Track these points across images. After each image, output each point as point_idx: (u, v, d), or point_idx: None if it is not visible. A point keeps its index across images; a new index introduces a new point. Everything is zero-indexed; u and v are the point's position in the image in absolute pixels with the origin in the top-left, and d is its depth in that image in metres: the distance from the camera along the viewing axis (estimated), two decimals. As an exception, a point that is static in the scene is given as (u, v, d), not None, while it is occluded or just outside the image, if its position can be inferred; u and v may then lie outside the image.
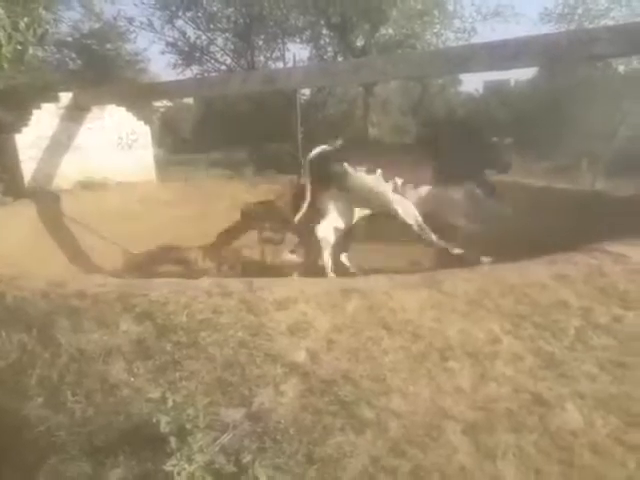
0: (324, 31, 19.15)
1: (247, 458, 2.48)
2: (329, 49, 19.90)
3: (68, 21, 17.94)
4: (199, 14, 19.74)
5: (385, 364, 3.08)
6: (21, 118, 10.50)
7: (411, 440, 2.71)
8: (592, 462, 2.67)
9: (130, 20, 19.39)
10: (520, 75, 27.97)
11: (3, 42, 4.69)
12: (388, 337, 3.26)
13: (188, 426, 2.49)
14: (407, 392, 2.93)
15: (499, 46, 7.08)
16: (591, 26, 14.19)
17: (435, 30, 17.32)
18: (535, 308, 3.65)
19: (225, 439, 2.60)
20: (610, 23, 14.68)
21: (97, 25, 18.73)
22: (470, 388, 3.00)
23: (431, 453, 2.63)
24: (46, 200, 9.60)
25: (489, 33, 18.75)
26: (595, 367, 3.21)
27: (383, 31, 17.86)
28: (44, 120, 10.53)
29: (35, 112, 10.46)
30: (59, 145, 10.77)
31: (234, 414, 2.76)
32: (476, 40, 16.15)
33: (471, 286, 3.84)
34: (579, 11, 16.20)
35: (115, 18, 18.99)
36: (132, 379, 2.99)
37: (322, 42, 19.73)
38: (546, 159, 16.38)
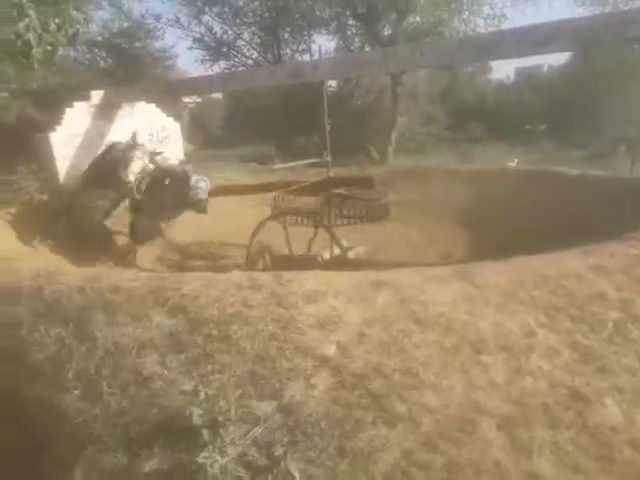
0: (350, 22, 19.02)
1: (279, 451, 2.49)
2: (356, 40, 19.77)
3: (98, 21, 18.26)
4: (225, 9, 19.89)
5: (417, 358, 3.04)
6: (55, 117, 10.75)
7: (444, 435, 2.67)
8: (633, 458, 2.59)
9: (157, 17, 19.71)
10: (553, 60, 27.26)
11: (34, 43, 4.75)
12: (420, 331, 3.21)
13: (220, 419, 2.51)
14: (440, 386, 2.89)
15: (529, 31, 6.88)
16: (626, 8, 13.69)
17: (464, 17, 16.96)
18: (571, 300, 3.55)
19: (257, 432, 2.62)
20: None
21: (126, 24, 18.99)
22: (504, 382, 2.94)
23: (465, 448, 2.59)
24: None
25: (520, 18, 18.22)
26: (635, 361, 3.11)
27: (410, 19, 17.61)
28: (77, 118, 10.75)
29: (68, 111, 10.69)
30: (92, 143, 10.99)
31: (265, 407, 2.77)
32: (507, 26, 15.76)
33: (504, 278, 3.76)
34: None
35: (143, 16, 19.29)
36: (165, 372, 3.03)
37: (348, 33, 19.62)
38: (582, 146, 15.95)
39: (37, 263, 5.47)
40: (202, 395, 2.65)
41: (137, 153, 9.26)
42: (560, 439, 2.66)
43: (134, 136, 9.97)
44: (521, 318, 3.37)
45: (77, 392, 3.04)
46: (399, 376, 2.93)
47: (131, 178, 8.84)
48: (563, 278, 3.76)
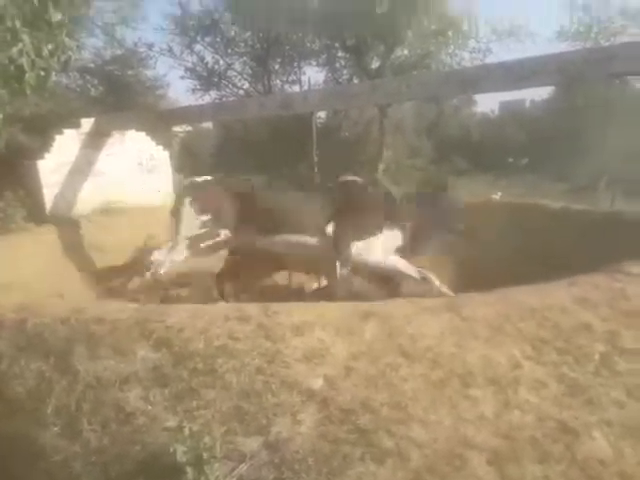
0: (340, 54, 19.42)
1: (265, 489, 2.43)
2: (345, 72, 20.16)
3: (90, 48, 18.40)
4: (217, 39, 20.21)
5: (405, 392, 3.01)
6: (44, 144, 10.74)
7: (433, 470, 2.64)
8: (622, 494, 2.57)
9: (150, 46, 19.88)
10: (536, 95, 28.00)
11: (27, 68, 4.78)
12: (407, 364, 3.19)
13: (205, 455, 2.46)
14: (428, 420, 2.87)
15: (515, 65, 7.08)
16: (607, 44, 14.17)
17: (450, 50, 17.43)
18: (557, 332, 3.56)
19: (242, 469, 2.56)
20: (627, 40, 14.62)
21: (119, 51, 19.18)
22: (493, 416, 2.93)
23: (454, 484, 2.55)
24: (67, 226, 9.75)
25: (504, 53, 18.77)
26: (622, 394, 3.11)
27: (398, 52, 18.05)
28: (66, 146, 10.75)
29: (57, 138, 10.71)
30: (80, 171, 10.99)
31: (251, 443, 2.73)
32: (491, 60, 16.21)
33: (491, 310, 3.77)
34: (595, 29, 16.19)
35: (136, 44, 19.46)
36: (149, 407, 2.97)
37: (338, 65, 20.01)
38: (564, 180, 16.25)
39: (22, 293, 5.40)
40: (186, 431, 2.60)
41: None
42: (550, 473, 2.64)
43: None
44: (508, 351, 3.37)
45: (56, 429, 2.96)
46: (387, 410, 2.91)
47: None
48: (548, 310, 3.77)
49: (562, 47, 16.90)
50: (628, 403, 3.05)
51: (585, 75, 6.86)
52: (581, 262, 4.95)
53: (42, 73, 5.34)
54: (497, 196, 14.87)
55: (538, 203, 10.12)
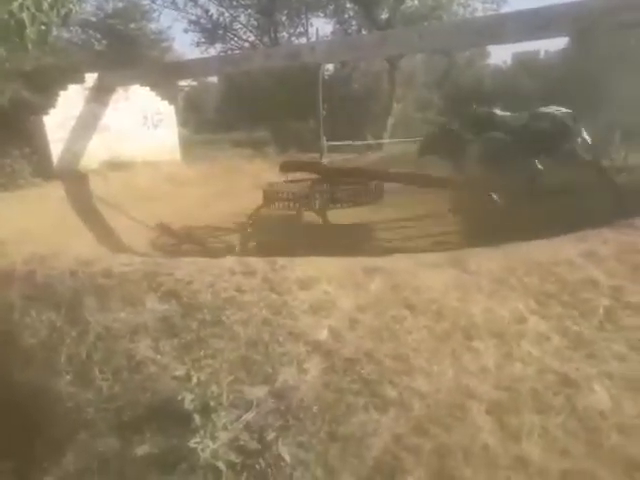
0: (348, 5, 18.80)
1: (271, 435, 2.50)
2: (353, 23, 19.57)
3: (92, 1, 18.00)
4: (222, -10, 19.59)
5: (409, 343, 3.05)
6: (48, 100, 10.63)
7: (434, 419, 2.69)
8: (620, 443, 2.62)
9: (153, -1, 19.38)
10: (551, 45, 27.09)
11: (27, 23, 4.69)
12: (412, 316, 3.23)
13: (212, 403, 2.52)
14: (431, 371, 2.91)
15: (530, 15, 6.83)
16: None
17: (462, 1, 16.79)
18: (563, 287, 3.57)
19: (249, 417, 2.63)
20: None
21: (121, 4, 18.73)
22: (495, 368, 2.96)
23: (454, 432, 2.61)
24: (75, 180, 9.77)
25: (519, 2, 18.03)
26: (624, 347, 3.12)
27: (409, 3, 17.46)
28: (71, 101, 10.66)
29: (62, 93, 10.59)
30: (86, 126, 10.92)
31: (258, 392, 2.79)
32: (506, 10, 15.61)
33: (496, 264, 3.77)
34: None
35: (138, -4, 18.97)
36: (158, 357, 3.04)
37: (346, 16, 19.43)
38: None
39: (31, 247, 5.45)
40: (194, 380, 2.66)
41: None
42: (549, 424, 2.69)
43: None
44: (512, 304, 3.39)
45: (69, 377, 3.05)
46: (391, 361, 2.95)
47: None
48: (555, 265, 3.77)
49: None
50: (629, 356, 3.07)
51: (602, 24, 6.61)
52: (595, 217, 4.90)
53: (43, 27, 5.23)
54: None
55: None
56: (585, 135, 7.94)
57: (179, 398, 2.54)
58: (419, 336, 3.12)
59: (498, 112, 7.89)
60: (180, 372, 2.81)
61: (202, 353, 3.02)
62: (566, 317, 3.31)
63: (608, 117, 13.23)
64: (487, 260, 3.82)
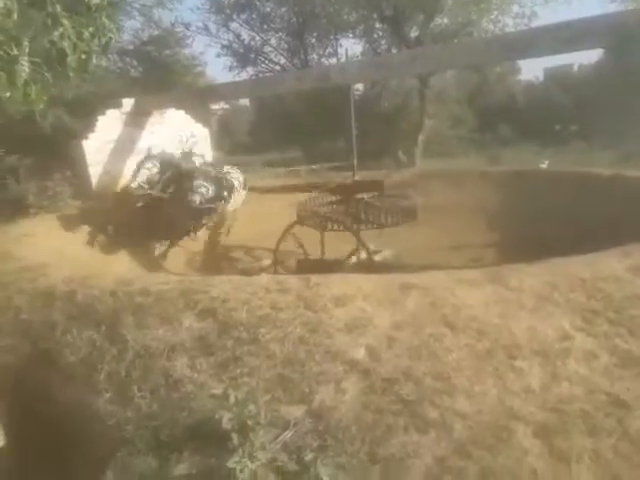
0: (377, 25, 18.93)
1: (309, 456, 2.45)
2: (383, 42, 19.68)
3: (129, 30, 18.66)
4: (253, 15, 20.09)
5: (449, 362, 2.97)
6: (88, 125, 11.01)
7: (477, 441, 2.59)
8: (677, 468, 2.47)
9: (187, 25, 20.03)
10: (584, 59, 26.68)
11: (68, 52, 4.86)
12: (451, 334, 3.14)
13: (250, 423, 2.49)
14: (473, 392, 2.82)
15: (562, 28, 6.72)
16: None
17: (492, 17, 16.69)
18: (609, 303, 3.43)
19: (287, 436, 2.59)
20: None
21: (156, 32, 19.34)
22: (540, 388, 2.85)
23: (500, 455, 2.51)
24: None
25: (551, 17, 17.88)
26: (677, 366, 2.97)
27: (438, 21, 17.48)
28: (109, 126, 10.99)
29: (100, 118, 10.95)
30: (123, 149, 11.22)
31: (295, 411, 2.75)
32: (537, 25, 15.44)
33: (538, 281, 3.66)
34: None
35: (173, 24, 19.61)
36: (195, 375, 3.03)
37: (375, 36, 19.53)
38: (614, 147, 15.50)
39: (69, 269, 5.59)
40: (232, 399, 2.64)
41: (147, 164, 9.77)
42: (600, 447, 2.56)
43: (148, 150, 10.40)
44: (556, 322, 3.27)
45: (108, 395, 3.07)
46: (430, 381, 2.87)
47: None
48: (600, 280, 3.63)
49: (611, 8, 15.95)
50: (683, 375, 2.92)
51: (637, 36, 6.46)
52: (636, 230, 4.73)
53: (83, 56, 5.42)
54: (545, 165, 14.37)
55: (588, 171, 9.73)
56: None
57: (217, 417, 2.52)
58: (459, 355, 3.03)
59: None
60: (217, 390, 2.80)
61: (239, 371, 3.01)
62: (614, 334, 3.17)
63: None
64: (528, 276, 3.70)
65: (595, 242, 4.71)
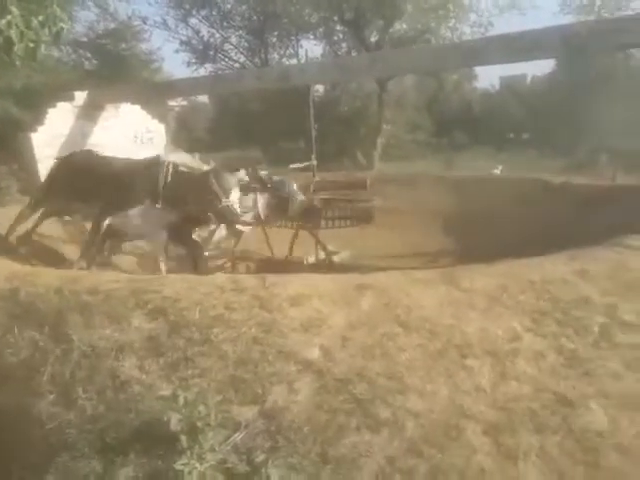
0: (338, 27, 19.08)
1: (260, 457, 2.41)
2: (343, 45, 19.85)
3: (83, 21, 18.14)
4: (213, 12, 19.90)
5: (402, 362, 2.99)
6: (37, 117, 10.59)
7: (429, 440, 2.62)
8: (618, 464, 2.56)
9: (144, 19, 19.62)
10: (537, 70, 27.68)
11: (15, 40, 4.67)
12: (404, 334, 3.17)
13: (199, 424, 2.43)
14: (424, 391, 2.84)
15: (516, 37, 6.94)
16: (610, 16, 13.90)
17: (450, 24, 17.10)
18: (556, 304, 3.54)
19: (237, 438, 2.54)
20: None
21: (112, 25, 18.84)
22: (490, 387, 2.90)
23: (450, 454, 2.54)
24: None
25: (505, 27, 18.39)
26: (621, 365, 3.09)
27: (397, 26, 17.78)
28: (59, 119, 10.61)
29: (51, 111, 10.55)
30: (74, 143, 10.81)
31: (247, 412, 2.70)
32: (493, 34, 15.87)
33: (489, 282, 3.74)
34: (598, 2, 15.88)
35: (129, 17, 19.15)
36: (144, 376, 2.94)
37: (336, 38, 19.69)
38: (565, 155, 16.12)
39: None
40: (181, 400, 2.56)
41: None
42: (546, 444, 2.63)
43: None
44: (506, 322, 3.35)
45: (51, 397, 2.94)
46: (383, 380, 2.88)
47: None
48: (548, 283, 3.75)
49: (565, 20, 16.61)
50: (626, 375, 3.03)
51: (589, 47, 6.73)
52: (583, 235, 4.91)
53: (31, 45, 5.22)
54: (498, 170, 14.80)
55: (539, 178, 10.07)
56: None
57: (165, 419, 2.45)
58: (412, 354, 3.06)
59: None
60: (166, 392, 2.72)
61: (189, 372, 2.93)
62: (561, 335, 3.27)
63: (595, 139, 13.46)
64: (480, 277, 3.78)
65: (544, 246, 4.88)
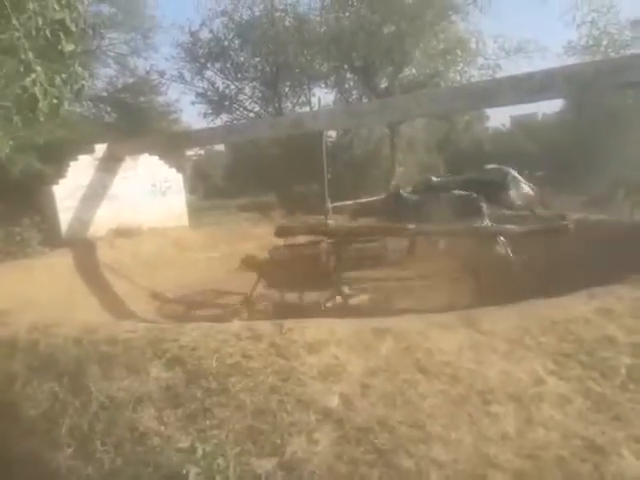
0: (348, 75, 19.59)
1: (280, 511, 2.35)
2: (354, 92, 20.31)
3: (104, 77, 18.92)
4: (227, 65, 20.55)
5: (424, 409, 2.92)
6: (59, 170, 10.93)
7: (455, 491, 2.53)
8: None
9: (162, 73, 20.42)
10: (547, 108, 27.95)
11: (39, 97, 4.88)
12: (425, 380, 3.10)
13: (218, 477, 2.38)
14: (448, 439, 2.76)
15: (525, 79, 7.06)
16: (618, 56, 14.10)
17: (458, 68, 17.46)
18: (580, 346, 3.45)
19: (257, 491, 2.48)
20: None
21: (131, 79, 19.61)
22: (516, 434, 2.81)
23: (477, 506, 2.44)
24: (82, 248, 9.84)
25: (513, 69, 18.73)
26: (651, 408, 2.97)
27: (407, 72, 18.18)
28: (80, 171, 10.94)
29: (72, 164, 10.89)
30: (95, 194, 11.15)
31: (266, 464, 2.64)
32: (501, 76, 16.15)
33: (510, 324, 3.67)
34: (604, 42, 16.13)
35: (147, 72, 19.94)
36: (162, 428, 2.91)
37: (347, 86, 20.19)
38: (580, 191, 16.04)
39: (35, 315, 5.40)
40: (199, 452, 2.53)
41: None
42: (577, 494, 2.52)
43: None
44: (529, 365, 3.27)
45: (70, 450, 2.91)
46: (405, 429, 2.81)
47: None
48: (570, 323, 3.67)
49: (571, 61, 16.87)
50: (658, 418, 2.92)
51: (596, 86, 6.81)
52: (603, 273, 4.83)
53: (55, 101, 5.45)
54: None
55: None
56: (523, 187, 9.09)
57: (184, 472, 2.41)
58: (434, 401, 2.99)
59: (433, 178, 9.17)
60: (185, 444, 2.68)
61: (207, 423, 2.89)
62: (587, 378, 3.18)
63: (610, 175, 13.41)
64: (500, 319, 3.72)
65: (563, 285, 4.79)
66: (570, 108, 21.33)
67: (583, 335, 3.53)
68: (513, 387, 3.09)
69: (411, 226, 7.44)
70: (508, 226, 7.51)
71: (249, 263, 8.59)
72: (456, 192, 8.44)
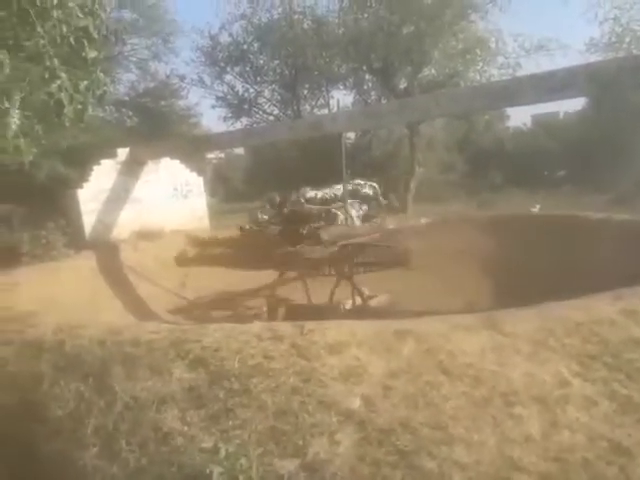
0: (367, 76, 19.56)
1: (303, 512, 2.36)
2: (372, 93, 20.27)
3: (125, 82, 19.25)
4: (247, 68, 20.72)
5: (446, 411, 2.90)
6: (83, 174, 11.14)
7: (478, 494, 2.51)
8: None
9: (182, 77, 20.68)
10: (569, 107, 27.52)
11: (65, 103, 4.99)
12: (448, 382, 3.08)
13: (241, 478, 2.40)
14: (471, 441, 2.74)
15: (545, 77, 6.96)
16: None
17: (478, 67, 17.29)
18: (605, 347, 3.40)
19: (280, 491, 2.50)
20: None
21: (152, 84, 19.90)
22: (540, 436, 2.77)
23: (502, 509, 2.42)
24: (106, 251, 10.00)
25: (534, 68, 18.49)
26: (679, 411, 2.91)
27: (426, 72, 18.06)
28: (103, 175, 11.12)
29: (95, 168, 11.08)
30: (118, 198, 11.31)
31: (288, 465, 2.65)
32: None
33: (533, 325, 3.63)
34: (627, 39, 15.81)
35: (168, 76, 20.21)
36: (185, 428, 2.94)
37: (365, 87, 20.14)
38: (604, 190, 15.77)
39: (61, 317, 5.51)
40: (223, 452, 2.55)
41: None
42: (604, 498, 2.48)
43: None
44: (554, 367, 3.22)
45: (95, 449, 2.97)
46: (428, 431, 2.80)
47: None
48: (595, 324, 3.61)
49: (593, 59, 16.57)
50: (686, 420, 2.86)
51: (619, 83, 6.68)
52: (628, 273, 4.74)
53: (79, 107, 5.56)
54: (536, 209, 14.56)
55: (578, 215, 9.84)
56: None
57: (207, 472, 2.43)
58: (457, 403, 2.97)
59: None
60: (208, 444, 2.71)
61: (230, 424, 2.92)
62: (612, 380, 3.13)
63: (634, 173, 13.14)
64: (523, 321, 3.68)
65: (586, 285, 4.71)
66: (592, 106, 20.95)
67: (608, 337, 3.47)
68: (537, 389, 3.06)
69: None
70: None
71: (181, 260, 8.83)
72: None
